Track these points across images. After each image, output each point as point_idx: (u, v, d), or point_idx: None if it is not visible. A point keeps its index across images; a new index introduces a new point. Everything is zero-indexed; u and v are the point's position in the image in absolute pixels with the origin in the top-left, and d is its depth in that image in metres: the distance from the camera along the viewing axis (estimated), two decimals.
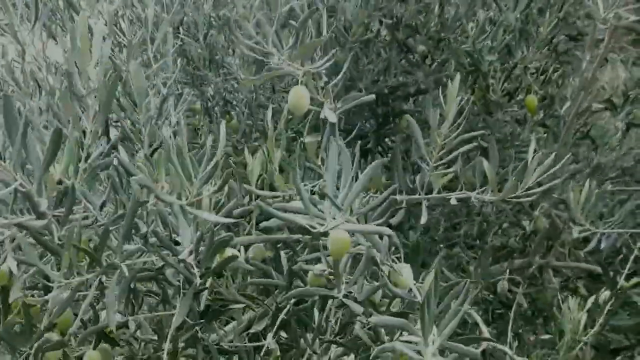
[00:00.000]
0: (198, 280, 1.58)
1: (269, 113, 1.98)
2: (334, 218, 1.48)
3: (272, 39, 1.73)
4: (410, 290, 1.65)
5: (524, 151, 2.59)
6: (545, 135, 2.65)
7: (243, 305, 1.85)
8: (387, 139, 2.71)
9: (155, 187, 1.48)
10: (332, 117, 1.78)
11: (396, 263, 1.70)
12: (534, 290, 2.66)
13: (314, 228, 1.47)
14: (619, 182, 2.56)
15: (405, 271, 1.67)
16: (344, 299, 1.68)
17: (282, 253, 1.90)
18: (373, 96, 1.85)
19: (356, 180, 1.53)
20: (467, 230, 2.62)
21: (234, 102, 2.72)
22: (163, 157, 1.48)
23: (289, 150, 2.11)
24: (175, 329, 1.69)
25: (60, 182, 1.45)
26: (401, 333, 1.67)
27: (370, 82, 2.51)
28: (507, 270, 2.58)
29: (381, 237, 1.61)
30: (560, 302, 2.40)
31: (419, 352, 1.35)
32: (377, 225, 1.62)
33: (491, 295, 2.67)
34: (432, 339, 1.37)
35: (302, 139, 1.96)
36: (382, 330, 1.77)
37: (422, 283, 1.66)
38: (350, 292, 1.67)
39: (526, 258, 2.66)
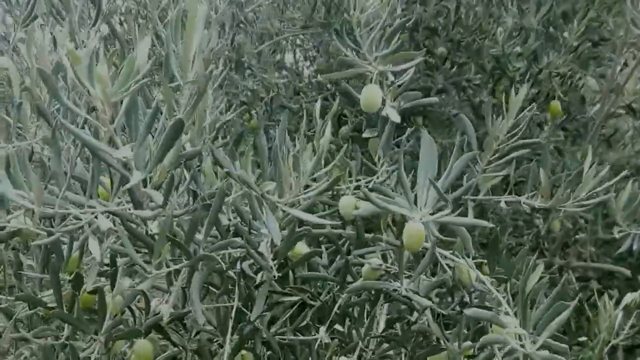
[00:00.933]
0: (275, 273, 1.58)
1: (318, 107, 1.99)
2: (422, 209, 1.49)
3: (368, 45, 1.78)
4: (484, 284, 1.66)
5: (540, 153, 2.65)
6: (565, 138, 2.70)
7: (298, 298, 1.85)
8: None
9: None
10: (395, 116, 1.80)
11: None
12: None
13: (411, 218, 1.47)
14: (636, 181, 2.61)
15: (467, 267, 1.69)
16: (409, 293, 1.70)
17: (323, 247, 1.90)
18: (435, 99, 1.89)
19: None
20: (482, 230, 2.64)
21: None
22: (261, 151, 1.49)
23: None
24: (237, 321, 1.69)
25: None
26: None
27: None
28: None
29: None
30: (582, 302, 2.46)
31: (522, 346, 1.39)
32: None
33: None
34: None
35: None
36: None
37: (493, 278, 1.69)
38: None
39: (542, 257, 2.70)
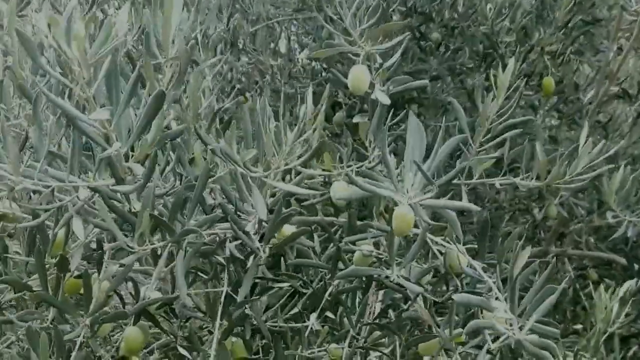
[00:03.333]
0: (263, 254, 1.56)
1: (310, 93, 1.97)
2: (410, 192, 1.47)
3: (350, 19, 1.75)
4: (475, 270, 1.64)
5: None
6: (560, 121, 2.68)
7: (286, 284, 1.83)
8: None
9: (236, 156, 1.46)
10: (385, 99, 1.77)
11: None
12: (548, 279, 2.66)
13: (400, 202, 1.45)
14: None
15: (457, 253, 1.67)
16: (398, 280, 1.67)
17: (315, 236, 1.88)
18: (426, 81, 1.86)
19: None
20: (479, 217, 2.62)
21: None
22: (244, 127, 1.46)
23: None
24: (226, 306, 1.67)
25: None
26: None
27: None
28: None
29: None
30: (578, 290, 2.44)
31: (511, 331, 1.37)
32: None
33: None
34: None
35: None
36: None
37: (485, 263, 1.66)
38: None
39: (538, 246, 2.69)
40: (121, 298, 1.81)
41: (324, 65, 2.76)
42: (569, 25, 2.58)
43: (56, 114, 1.44)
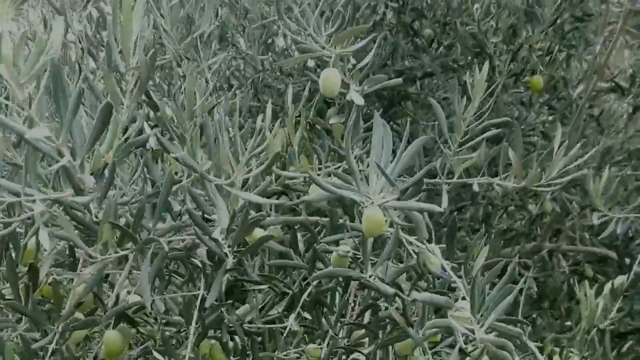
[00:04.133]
0: (231, 260, 1.56)
1: (290, 92, 1.97)
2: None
3: (314, 23, 1.76)
4: (444, 270, 1.63)
5: (530, 135, 2.62)
6: (552, 117, 2.67)
7: (264, 286, 1.84)
8: (391, 123, 2.69)
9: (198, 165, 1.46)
10: (359, 100, 1.76)
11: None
12: (542, 275, 2.66)
13: (364, 204, 1.44)
14: (625, 166, 2.57)
15: (435, 252, 1.66)
16: (372, 280, 1.67)
17: (299, 235, 1.88)
18: (400, 80, 1.86)
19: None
20: (472, 214, 2.62)
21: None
22: (206, 136, 1.47)
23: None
24: (201, 310, 1.68)
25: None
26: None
27: (378, 67, 2.51)
28: (517, 254, 2.58)
29: None
30: (573, 286, 2.42)
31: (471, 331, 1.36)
32: None
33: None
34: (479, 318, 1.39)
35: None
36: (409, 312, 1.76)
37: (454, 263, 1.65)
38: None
39: (533, 242, 2.67)
40: (101, 301, 1.82)
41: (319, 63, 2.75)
42: (558, 21, 2.56)
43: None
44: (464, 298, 1.50)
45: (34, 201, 1.37)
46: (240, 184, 1.52)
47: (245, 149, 1.50)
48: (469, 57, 2.61)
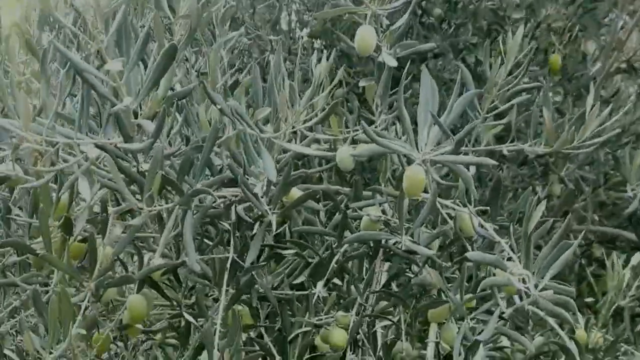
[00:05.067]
0: (273, 217, 1.53)
1: (314, 58, 1.94)
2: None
3: None
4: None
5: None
6: (564, 97, 2.66)
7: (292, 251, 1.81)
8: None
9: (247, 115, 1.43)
10: (392, 61, 1.74)
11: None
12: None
13: (413, 157, 1.42)
14: (633, 147, 2.56)
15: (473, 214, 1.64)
16: (409, 244, 1.65)
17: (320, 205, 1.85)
18: (433, 44, 1.84)
19: None
20: (480, 195, 2.60)
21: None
22: (254, 85, 1.44)
23: None
24: (232, 272, 1.64)
25: None
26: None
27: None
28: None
29: None
30: (585, 266, 2.42)
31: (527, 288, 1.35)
32: None
33: None
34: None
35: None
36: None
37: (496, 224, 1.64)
38: None
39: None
40: (123, 264, 1.78)
41: (324, 43, 2.73)
42: (576, 1, 2.56)
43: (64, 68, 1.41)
44: (510, 259, 1.48)
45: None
46: (287, 136, 1.50)
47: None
48: (481, 37, 2.60)
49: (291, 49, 2.66)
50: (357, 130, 1.83)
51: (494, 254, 1.52)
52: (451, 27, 2.63)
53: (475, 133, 1.90)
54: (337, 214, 1.81)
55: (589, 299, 2.35)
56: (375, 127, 1.84)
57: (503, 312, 1.58)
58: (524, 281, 1.39)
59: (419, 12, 2.65)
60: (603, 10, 2.63)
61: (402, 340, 1.86)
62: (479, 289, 1.56)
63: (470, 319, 1.67)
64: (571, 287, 1.39)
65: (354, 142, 1.80)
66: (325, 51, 2.67)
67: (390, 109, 1.86)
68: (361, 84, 1.87)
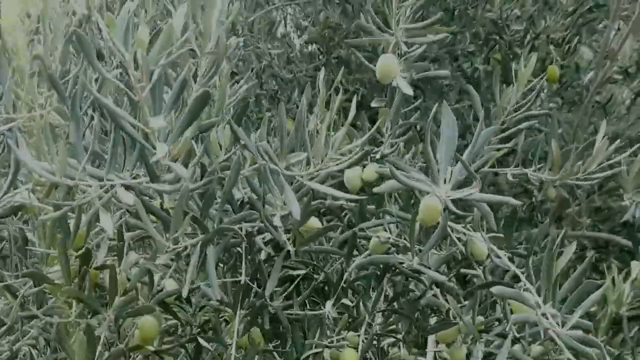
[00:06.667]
0: (291, 248, 1.55)
1: (322, 74, 1.95)
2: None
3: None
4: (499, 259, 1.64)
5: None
6: (561, 106, 2.69)
7: (304, 272, 1.82)
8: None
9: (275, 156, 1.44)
10: (407, 89, 1.76)
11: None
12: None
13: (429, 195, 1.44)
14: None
15: (486, 241, 1.66)
16: (420, 267, 1.67)
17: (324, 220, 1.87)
18: (448, 72, 1.86)
19: None
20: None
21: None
22: (280, 127, 1.45)
23: None
24: (246, 296, 1.66)
25: None
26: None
27: None
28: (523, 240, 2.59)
29: None
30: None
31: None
32: None
33: None
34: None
35: None
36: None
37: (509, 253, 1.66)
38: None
39: (535, 228, 2.69)
40: (135, 288, 1.78)
41: (321, 49, 2.73)
42: (576, 12, 2.58)
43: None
44: (526, 290, 1.51)
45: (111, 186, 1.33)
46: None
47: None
48: (478, 45, 2.61)
49: (289, 57, 2.66)
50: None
51: (512, 284, 1.56)
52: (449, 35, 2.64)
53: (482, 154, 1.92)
54: (339, 229, 1.82)
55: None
56: (385, 149, 1.86)
57: (515, 337, 1.61)
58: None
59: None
60: (598, 18, 2.65)
61: (398, 347, 1.89)
62: (507, 327, 1.58)
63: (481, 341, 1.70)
64: (589, 323, 1.41)
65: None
66: (321, 57, 2.72)
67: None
68: (373, 104, 1.88)
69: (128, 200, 1.27)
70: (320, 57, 2.70)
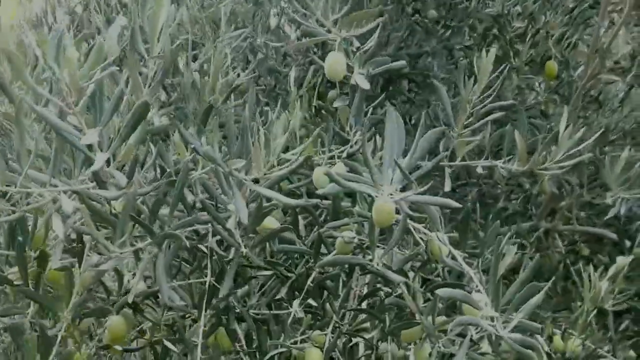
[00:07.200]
0: (244, 250, 1.56)
1: (292, 75, 1.96)
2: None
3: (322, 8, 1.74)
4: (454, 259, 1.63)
5: (534, 117, 2.63)
6: (554, 98, 2.67)
7: (270, 272, 1.83)
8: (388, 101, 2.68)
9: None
10: (364, 83, 1.75)
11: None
12: (539, 254, 2.66)
13: (376, 197, 1.43)
14: (619, 145, 2.58)
15: (445, 242, 1.66)
16: (380, 268, 1.67)
17: (299, 218, 1.87)
18: (404, 62, 1.84)
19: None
20: (473, 195, 2.62)
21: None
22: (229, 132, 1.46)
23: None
24: (211, 297, 1.67)
25: None
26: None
27: (395, 49, 2.54)
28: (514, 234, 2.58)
29: None
30: (569, 266, 2.43)
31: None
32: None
33: None
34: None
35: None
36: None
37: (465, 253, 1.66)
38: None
39: (530, 221, 2.68)
40: (105, 288, 1.80)
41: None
42: (575, 9, 2.59)
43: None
44: (478, 290, 1.50)
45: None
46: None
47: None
48: (477, 40, 2.61)
49: (285, 51, 2.65)
50: (332, 150, 1.85)
51: (463, 285, 1.55)
52: (448, 29, 2.64)
53: (451, 148, 1.92)
54: (315, 228, 1.82)
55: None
56: (351, 147, 1.86)
57: (473, 338, 1.61)
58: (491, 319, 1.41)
59: (413, 13, 2.65)
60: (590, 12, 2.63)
61: (387, 342, 1.89)
62: (450, 328, 1.57)
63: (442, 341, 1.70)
64: (538, 325, 1.41)
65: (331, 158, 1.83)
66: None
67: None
68: (335, 105, 1.88)
69: (68, 208, 1.29)
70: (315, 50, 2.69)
